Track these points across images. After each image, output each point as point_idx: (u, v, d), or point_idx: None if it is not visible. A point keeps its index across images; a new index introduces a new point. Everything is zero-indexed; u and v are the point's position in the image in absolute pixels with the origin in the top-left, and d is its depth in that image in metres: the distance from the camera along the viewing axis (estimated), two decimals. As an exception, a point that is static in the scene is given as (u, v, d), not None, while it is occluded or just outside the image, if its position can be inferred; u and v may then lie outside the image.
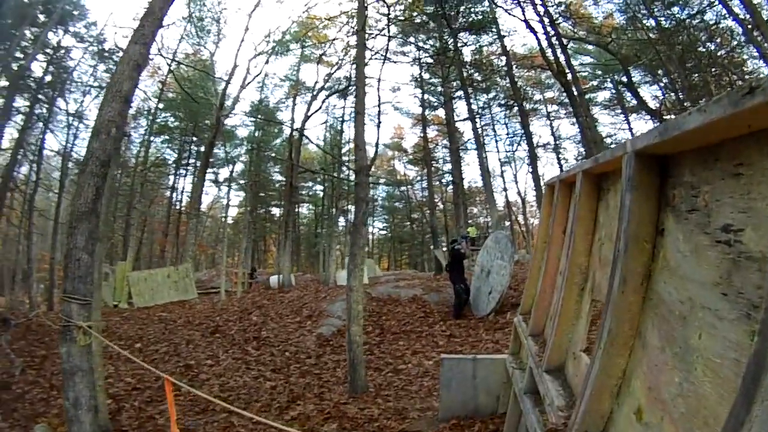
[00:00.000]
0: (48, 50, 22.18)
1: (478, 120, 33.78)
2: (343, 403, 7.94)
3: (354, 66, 11.57)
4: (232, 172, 38.53)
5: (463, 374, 6.18)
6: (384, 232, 57.46)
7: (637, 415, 1.79)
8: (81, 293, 5.18)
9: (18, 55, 19.06)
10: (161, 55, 20.55)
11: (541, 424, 2.87)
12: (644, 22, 21.34)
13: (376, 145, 12.33)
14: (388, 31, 15.08)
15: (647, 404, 1.73)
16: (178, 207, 39.18)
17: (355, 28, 11.72)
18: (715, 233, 1.42)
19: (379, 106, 14.78)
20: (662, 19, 20.30)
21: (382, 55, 16.09)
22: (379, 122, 13.39)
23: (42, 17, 20.34)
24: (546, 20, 21.39)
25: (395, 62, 30.96)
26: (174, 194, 39.64)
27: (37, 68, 21.82)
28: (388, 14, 17.26)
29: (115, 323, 14.29)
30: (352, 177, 10.08)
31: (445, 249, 25.17)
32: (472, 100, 32.17)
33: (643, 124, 30.12)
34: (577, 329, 2.86)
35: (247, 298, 19.93)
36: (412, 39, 29.55)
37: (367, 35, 14.81)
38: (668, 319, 1.65)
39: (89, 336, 5.03)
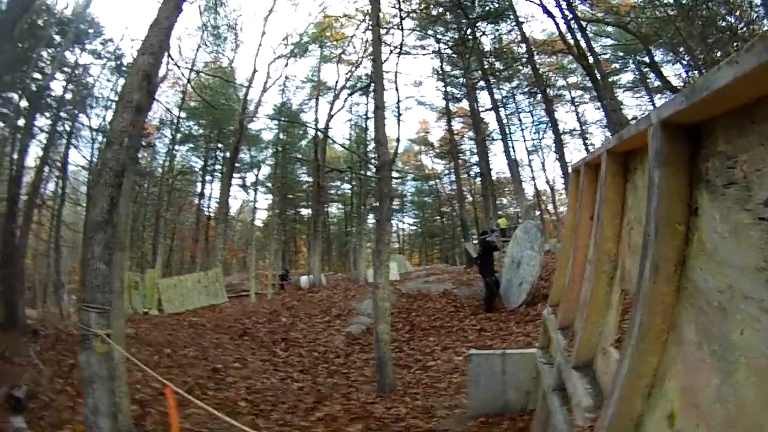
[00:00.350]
0: (66, 69, 22.57)
1: (502, 109, 33.40)
2: (370, 402, 7.84)
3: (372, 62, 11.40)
4: (257, 175, 38.78)
5: (492, 370, 6.00)
6: (414, 228, 57.28)
7: (669, 420, 1.58)
8: (99, 302, 5.20)
9: (36, 75, 19.42)
10: (176, 65, 20.79)
11: (568, 425, 2.67)
12: (662, -1, 20.72)
13: (398, 139, 12.12)
14: (401, 25, 14.92)
15: (681, 408, 1.52)
16: (206, 213, 39.62)
17: (371, 23, 11.53)
18: (756, 209, 1.19)
19: (398, 100, 14.61)
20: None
21: (399, 49, 15.89)
22: (399, 116, 13.22)
23: (58, 38, 20.69)
24: (563, 3, 20.89)
25: (415, 56, 30.89)
26: (202, 201, 40.12)
27: (58, 87, 22.29)
28: (399, 6, 17.03)
29: (145, 330, 14.40)
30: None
31: (475, 242, 24.89)
32: (495, 90, 31.76)
33: (668, 105, 29.37)
34: (607, 322, 2.65)
35: (277, 299, 20.00)
36: (430, 32, 29.27)
37: (383, 30, 14.66)
38: (706, 311, 1.43)
39: (107, 344, 5.06)
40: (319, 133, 27.97)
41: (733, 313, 1.28)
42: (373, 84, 11.20)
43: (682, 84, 24.16)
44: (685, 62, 24.43)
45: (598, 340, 2.72)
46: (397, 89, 14.48)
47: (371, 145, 36.98)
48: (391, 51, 16.68)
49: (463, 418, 6.34)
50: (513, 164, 29.01)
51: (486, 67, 28.61)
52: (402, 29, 15.12)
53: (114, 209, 5.85)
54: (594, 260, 2.79)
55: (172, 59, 21.40)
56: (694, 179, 1.57)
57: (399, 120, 13.28)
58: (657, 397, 1.69)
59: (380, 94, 10.19)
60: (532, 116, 37.43)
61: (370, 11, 12.99)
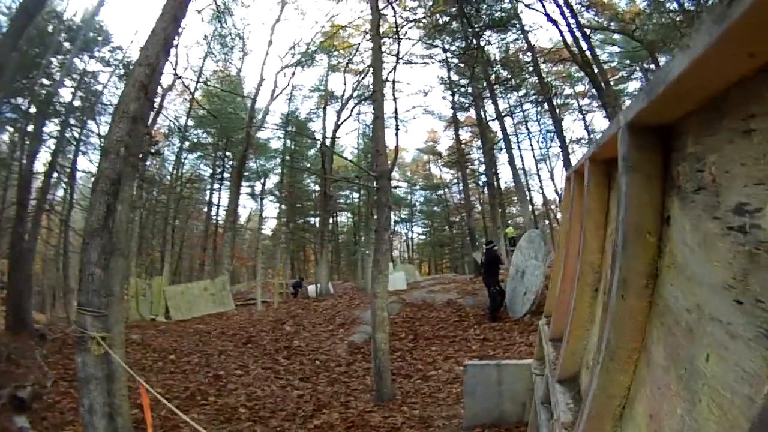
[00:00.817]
0: (75, 76, 22.73)
1: (509, 119, 33.42)
2: (367, 411, 7.85)
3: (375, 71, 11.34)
4: (264, 184, 38.81)
5: (488, 381, 5.93)
6: (424, 237, 57.11)
7: None
8: (95, 306, 5.56)
9: (45, 81, 19.59)
10: (178, 77, 20.81)
11: (554, 440, 2.55)
12: (667, 5, 20.52)
13: (396, 148, 12.09)
14: (398, 35, 14.89)
15: None
16: (214, 221, 39.64)
17: (371, 32, 11.50)
18: (726, 217, 1.04)
19: (395, 110, 14.52)
20: (685, 0, 19.46)
21: (396, 57, 15.91)
22: (398, 126, 13.19)
23: (66, 44, 20.88)
24: (566, 11, 20.80)
25: (422, 65, 30.87)
26: (211, 209, 40.16)
27: (66, 93, 22.50)
28: (395, 16, 17.00)
29: (151, 336, 14.46)
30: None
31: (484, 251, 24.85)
32: (503, 99, 31.66)
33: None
34: (591, 335, 2.52)
35: (283, 308, 19.96)
36: (438, 42, 29.24)
37: (389, 40, 14.66)
38: (674, 331, 1.28)
39: (101, 348, 5.29)
40: (326, 142, 28.05)
41: (700, 337, 1.14)
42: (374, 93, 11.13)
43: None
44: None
45: (582, 353, 2.60)
46: (395, 99, 14.48)
47: (378, 155, 36.78)
48: (397, 61, 16.66)
49: (459, 429, 6.27)
50: (516, 173, 28.88)
51: (491, 76, 28.52)
52: (399, 39, 15.11)
53: (110, 216, 6.10)
54: (578, 272, 2.68)
55: (174, 70, 21.47)
56: (667, 186, 1.45)
57: (397, 129, 13.21)
58: (628, 419, 1.56)
59: (380, 103, 10.15)
60: (539, 125, 37.28)
61: (370, 21, 12.96)
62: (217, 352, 12.63)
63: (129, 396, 6.53)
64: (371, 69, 12.47)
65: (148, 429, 4.10)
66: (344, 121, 29.98)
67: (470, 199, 36.27)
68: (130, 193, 8.56)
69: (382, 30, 13.56)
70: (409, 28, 23.74)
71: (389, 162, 10.27)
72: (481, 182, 41.12)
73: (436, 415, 7.18)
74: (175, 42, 10.23)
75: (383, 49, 14.81)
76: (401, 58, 15.45)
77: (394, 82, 14.23)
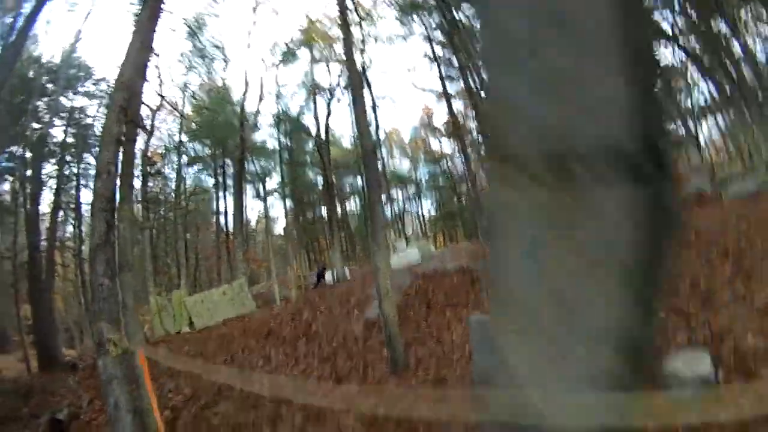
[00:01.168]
0: (64, 114, 23.08)
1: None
2: (383, 379, 8.16)
3: (360, 53, 11.55)
4: (264, 183, 38.98)
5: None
6: (434, 212, 57.18)
7: None
8: (107, 311, 5.94)
9: (36, 125, 19.99)
10: (161, 96, 21.15)
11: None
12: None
13: (377, 127, 12.38)
14: (360, 22, 15.03)
15: None
16: (224, 229, 39.86)
17: (339, 19, 11.69)
18: None
19: (372, 94, 14.67)
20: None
21: (382, 39, 16.15)
22: (374, 103, 13.48)
23: (50, 86, 21.25)
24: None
25: (404, 40, 30.72)
26: (220, 217, 40.40)
27: (59, 132, 23.00)
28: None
29: (177, 345, 14.85)
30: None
31: (487, 213, 25.00)
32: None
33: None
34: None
35: (301, 299, 20.33)
36: (415, 18, 29.07)
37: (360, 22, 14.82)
38: None
39: (119, 348, 5.65)
40: (320, 134, 28.33)
41: None
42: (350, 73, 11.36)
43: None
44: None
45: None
46: (368, 82, 14.66)
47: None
48: (376, 41, 16.83)
49: (470, 384, 6.42)
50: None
51: (474, 46, 28.37)
52: (362, 20, 15.27)
53: (111, 231, 6.54)
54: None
55: (160, 91, 21.87)
56: None
57: (375, 107, 13.53)
58: None
59: (356, 83, 10.41)
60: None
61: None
62: (241, 349, 13.02)
63: (158, 397, 6.96)
64: (344, 51, 12.67)
65: (150, 393, 4.47)
66: (334, 111, 30.19)
67: (472, 168, 36.27)
68: (131, 212, 9.12)
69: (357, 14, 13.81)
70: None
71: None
72: (481, 151, 41.02)
73: (449, 375, 7.47)
74: (151, 64, 10.56)
75: (359, 33, 14.99)
76: (378, 38, 15.61)
77: (363, 65, 14.38)
